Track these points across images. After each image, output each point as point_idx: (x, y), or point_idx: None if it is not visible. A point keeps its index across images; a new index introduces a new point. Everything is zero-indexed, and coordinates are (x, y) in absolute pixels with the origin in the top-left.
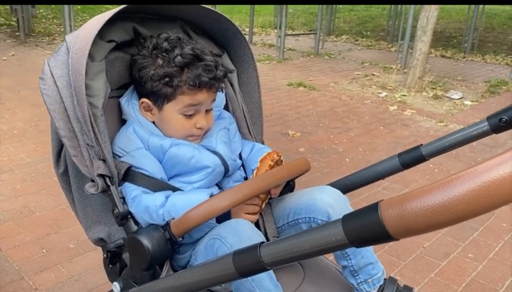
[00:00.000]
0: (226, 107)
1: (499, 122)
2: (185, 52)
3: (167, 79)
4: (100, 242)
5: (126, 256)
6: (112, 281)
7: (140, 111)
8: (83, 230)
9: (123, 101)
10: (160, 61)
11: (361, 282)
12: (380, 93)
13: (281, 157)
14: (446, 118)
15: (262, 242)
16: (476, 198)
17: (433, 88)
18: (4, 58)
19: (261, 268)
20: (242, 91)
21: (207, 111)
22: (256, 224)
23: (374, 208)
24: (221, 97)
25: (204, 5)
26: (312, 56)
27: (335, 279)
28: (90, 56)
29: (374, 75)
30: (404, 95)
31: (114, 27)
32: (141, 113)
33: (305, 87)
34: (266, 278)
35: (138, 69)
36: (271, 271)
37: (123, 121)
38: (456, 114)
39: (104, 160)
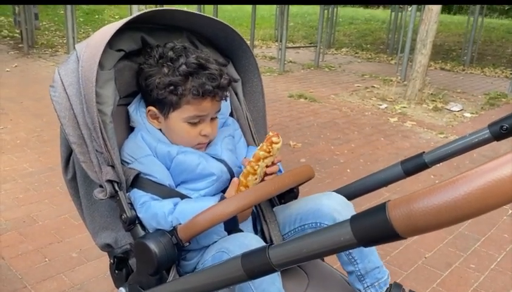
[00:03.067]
0: (231, 116)
1: (500, 130)
2: (190, 60)
3: (172, 87)
4: (107, 248)
5: (132, 261)
6: (118, 287)
7: (147, 118)
8: (86, 239)
9: (131, 108)
10: (165, 70)
11: (368, 286)
12: (380, 105)
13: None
14: (446, 130)
15: (271, 244)
16: (481, 196)
17: (433, 100)
18: (7, 69)
19: (270, 269)
20: (246, 100)
21: (212, 119)
22: (262, 232)
23: (381, 208)
24: (226, 105)
25: (209, 16)
26: (312, 68)
27: (339, 286)
28: (100, 65)
29: (374, 87)
30: (404, 107)
31: (123, 37)
32: (148, 121)
33: (306, 98)
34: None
35: (145, 78)
36: (280, 282)
37: (130, 129)
38: (457, 126)
39: (112, 166)
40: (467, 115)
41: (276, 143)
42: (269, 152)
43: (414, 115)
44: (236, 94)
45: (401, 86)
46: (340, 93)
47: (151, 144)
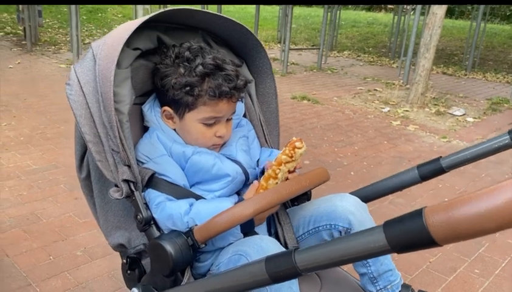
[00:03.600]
0: (244, 116)
1: None
2: (207, 61)
3: (188, 88)
4: (120, 247)
5: (145, 262)
6: (130, 288)
7: (162, 118)
8: (90, 237)
9: (146, 108)
10: (181, 70)
11: (380, 289)
12: (383, 108)
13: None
14: (448, 135)
15: (296, 248)
16: None
17: (436, 104)
18: (10, 66)
19: (296, 273)
20: (259, 101)
21: (227, 120)
22: (276, 235)
23: (418, 214)
24: (240, 106)
25: (227, 16)
26: (315, 70)
27: (352, 289)
28: (117, 64)
29: (376, 90)
30: (407, 111)
31: (140, 35)
32: (163, 120)
33: (309, 100)
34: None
35: (161, 78)
36: (297, 287)
37: (144, 128)
38: (459, 131)
39: (129, 166)
40: (470, 119)
41: (299, 148)
42: (292, 157)
43: (417, 119)
44: (250, 95)
45: (404, 90)
46: (343, 96)
47: (166, 144)
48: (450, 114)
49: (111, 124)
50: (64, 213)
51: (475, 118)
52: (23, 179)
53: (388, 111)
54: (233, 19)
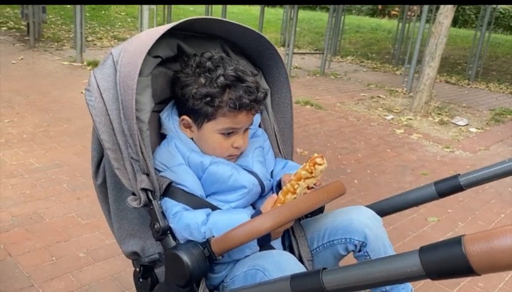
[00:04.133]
0: (259, 126)
1: None
2: (228, 73)
3: (209, 99)
4: (133, 255)
5: (158, 271)
6: None
7: (180, 127)
8: (93, 239)
9: (164, 116)
10: (202, 80)
11: None
12: (386, 115)
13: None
14: (452, 144)
15: (324, 268)
16: None
17: (439, 113)
18: (13, 61)
19: None
20: (274, 111)
21: (244, 131)
22: (291, 248)
23: (457, 241)
24: (257, 116)
25: (246, 26)
26: (318, 75)
27: None
28: (139, 72)
29: (380, 97)
30: (410, 119)
31: (161, 43)
32: (181, 129)
33: (312, 105)
34: None
35: (181, 87)
36: None
37: (160, 135)
38: (462, 141)
39: (147, 175)
40: (473, 130)
41: (320, 164)
42: (311, 173)
43: (420, 128)
44: (265, 105)
45: (407, 98)
46: (346, 102)
47: (185, 153)
48: (454, 123)
49: (131, 132)
50: (67, 214)
51: (478, 128)
52: (26, 178)
53: (392, 118)
54: (252, 28)
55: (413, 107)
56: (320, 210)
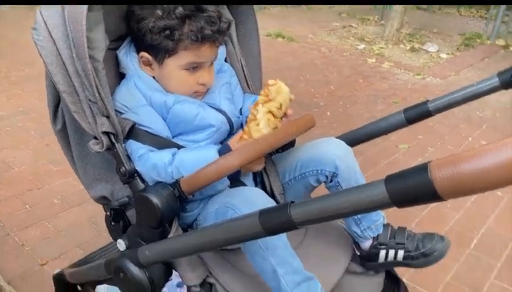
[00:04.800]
0: (225, 61)
1: (510, 78)
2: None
3: (168, 32)
4: (103, 200)
5: (130, 214)
6: (115, 239)
7: (140, 64)
8: (67, 185)
9: (121, 53)
10: (159, 12)
11: (365, 229)
12: (358, 45)
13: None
14: (423, 71)
15: (292, 201)
16: None
17: (410, 40)
18: None
19: (291, 227)
20: (240, 44)
21: (209, 66)
22: (263, 183)
23: (423, 169)
24: (222, 50)
25: None
26: (289, 6)
27: (337, 232)
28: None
29: (352, 26)
30: (382, 48)
31: None
32: (140, 67)
33: (284, 38)
34: (281, 247)
35: (137, 21)
36: (286, 236)
37: (119, 75)
38: (433, 67)
39: (108, 117)
40: (444, 56)
41: (272, 85)
42: (267, 96)
43: (391, 56)
44: (230, 38)
45: (379, 26)
46: (318, 33)
47: (146, 93)
48: (425, 50)
49: (86, 72)
50: (37, 161)
51: (448, 54)
52: None
53: (364, 48)
54: None
55: (384, 36)
56: (291, 144)
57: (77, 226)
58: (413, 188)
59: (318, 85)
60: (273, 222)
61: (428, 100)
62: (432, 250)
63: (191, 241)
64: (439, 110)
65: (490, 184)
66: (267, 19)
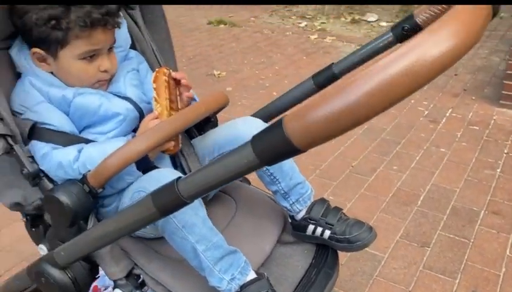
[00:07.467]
0: (133, 48)
1: (402, 31)
2: None
3: (54, 22)
4: (16, 206)
5: (48, 216)
6: (37, 244)
7: (34, 62)
8: None
9: (14, 52)
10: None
11: (293, 203)
12: (300, 23)
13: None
14: (364, 42)
15: (179, 177)
16: (374, 98)
17: (351, 13)
18: None
19: (181, 203)
20: (148, 29)
21: (109, 51)
22: (182, 167)
23: (279, 124)
24: (124, 36)
25: None
26: None
27: (267, 206)
28: None
29: (293, 5)
30: (323, 23)
31: None
32: (36, 64)
33: (226, 24)
34: (199, 224)
35: (19, 16)
36: (204, 212)
37: (18, 75)
38: (374, 36)
39: (1, 119)
40: (384, 24)
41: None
42: (154, 82)
43: (333, 30)
44: (136, 23)
45: None
46: (260, 15)
47: (42, 89)
48: (365, 20)
49: None
50: None
51: (388, 22)
52: None
53: (306, 25)
54: None
55: (325, 11)
56: (212, 126)
57: (22, 240)
58: (274, 145)
59: (263, 67)
60: (165, 201)
61: (333, 63)
62: (356, 239)
63: (93, 235)
64: (344, 71)
65: (340, 127)
66: (207, 7)
